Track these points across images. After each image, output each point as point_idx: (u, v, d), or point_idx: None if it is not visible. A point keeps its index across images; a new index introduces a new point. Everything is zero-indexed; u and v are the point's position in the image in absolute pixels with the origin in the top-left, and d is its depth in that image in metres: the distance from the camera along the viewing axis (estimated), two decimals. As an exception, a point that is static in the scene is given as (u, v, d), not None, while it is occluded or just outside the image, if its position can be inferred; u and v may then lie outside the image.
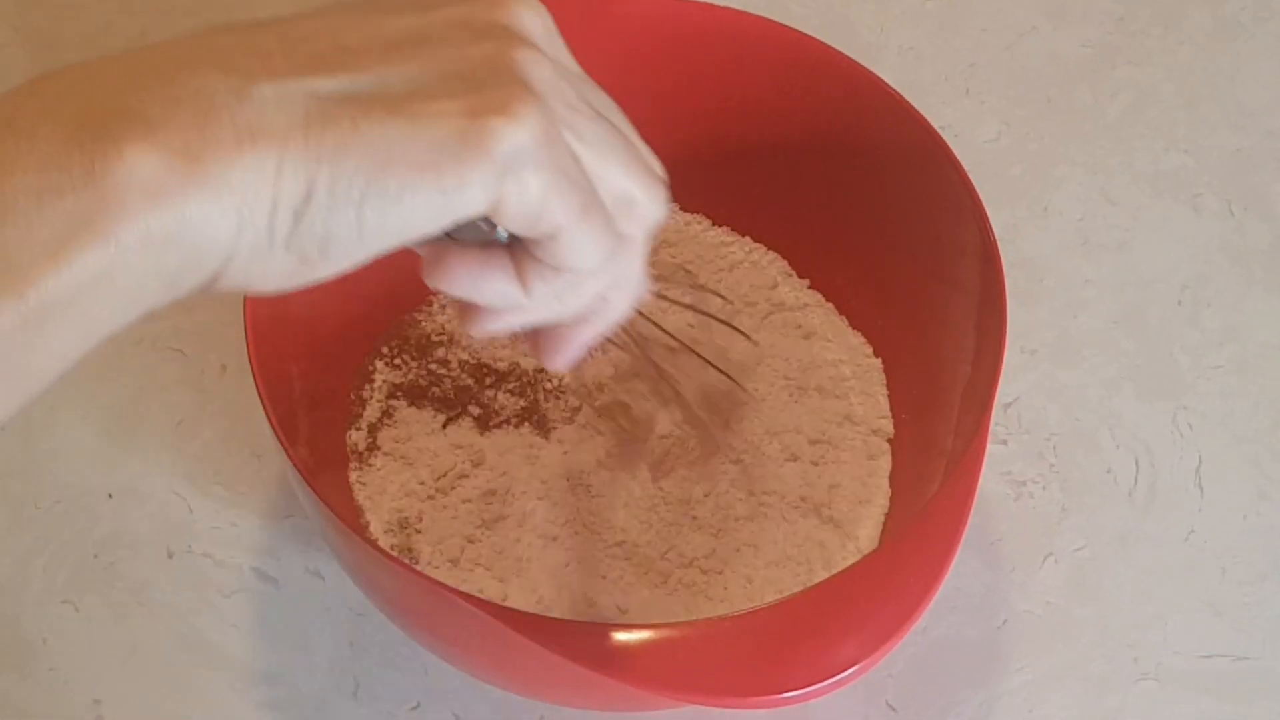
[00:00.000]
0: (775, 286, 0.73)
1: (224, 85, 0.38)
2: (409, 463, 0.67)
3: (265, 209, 0.38)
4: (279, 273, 0.40)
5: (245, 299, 0.59)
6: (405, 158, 0.39)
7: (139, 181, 0.36)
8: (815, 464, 0.68)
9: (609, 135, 0.43)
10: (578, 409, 0.68)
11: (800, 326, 0.72)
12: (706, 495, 0.67)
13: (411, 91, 0.39)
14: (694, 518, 0.66)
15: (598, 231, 0.42)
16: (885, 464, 0.68)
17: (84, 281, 0.37)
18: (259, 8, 0.86)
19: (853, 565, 0.56)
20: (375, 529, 0.66)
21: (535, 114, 0.40)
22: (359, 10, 0.41)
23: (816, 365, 0.71)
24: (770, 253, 0.74)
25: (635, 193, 0.44)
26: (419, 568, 0.64)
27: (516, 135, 0.39)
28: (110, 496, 0.70)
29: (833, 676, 0.52)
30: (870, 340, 0.72)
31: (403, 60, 0.40)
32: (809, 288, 0.73)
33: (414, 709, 0.65)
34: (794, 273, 0.73)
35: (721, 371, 0.67)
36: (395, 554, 0.64)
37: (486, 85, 0.40)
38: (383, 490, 0.67)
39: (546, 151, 0.40)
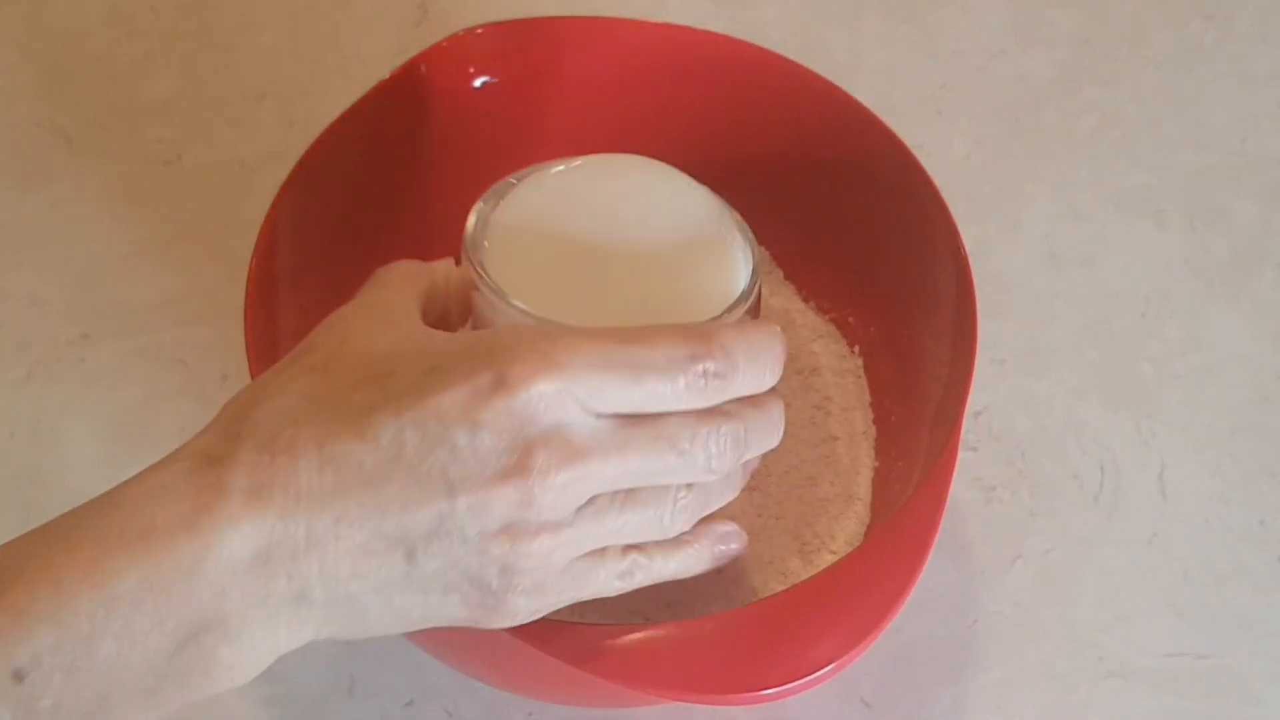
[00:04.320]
0: (770, 296, 0.74)
1: (289, 596, 0.46)
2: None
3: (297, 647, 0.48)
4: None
5: (245, 312, 0.60)
6: (413, 625, 0.49)
7: (215, 674, 0.46)
8: (799, 464, 0.69)
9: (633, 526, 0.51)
10: None
11: (791, 330, 0.73)
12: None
13: (425, 589, 0.48)
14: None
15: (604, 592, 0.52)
16: (868, 466, 0.69)
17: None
18: (258, 29, 0.88)
19: (829, 567, 0.57)
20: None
21: (528, 605, 0.49)
22: (399, 474, 0.47)
23: (803, 369, 0.72)
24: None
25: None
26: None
27: (509, 620, 0.50)
28: (114, 501, 0.71)
29: (810, 674, 0.52)
30: (850, 348, 0.72)
31: (425, 561, 0.47)
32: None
33: (407, 705, 0.66)
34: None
35: None
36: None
37: (491, 588, 0.48)
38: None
39: (538, 608, 0.50)
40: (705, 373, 0.50)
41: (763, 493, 0.68)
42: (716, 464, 0.51)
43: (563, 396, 0.47)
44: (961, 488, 0.72)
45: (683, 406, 0.50)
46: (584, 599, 0.51)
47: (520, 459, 0.46)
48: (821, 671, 0.52)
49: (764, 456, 0.68)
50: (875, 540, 0.60)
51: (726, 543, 0.55)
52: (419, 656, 0.66)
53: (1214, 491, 0.73)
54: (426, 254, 0.67)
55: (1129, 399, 0.76)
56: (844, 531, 0.67)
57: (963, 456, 0.59)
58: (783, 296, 0.74)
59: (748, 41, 0.70)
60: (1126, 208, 0.83)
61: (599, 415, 0.48)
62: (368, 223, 0.68)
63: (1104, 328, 0.78)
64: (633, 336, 0.49)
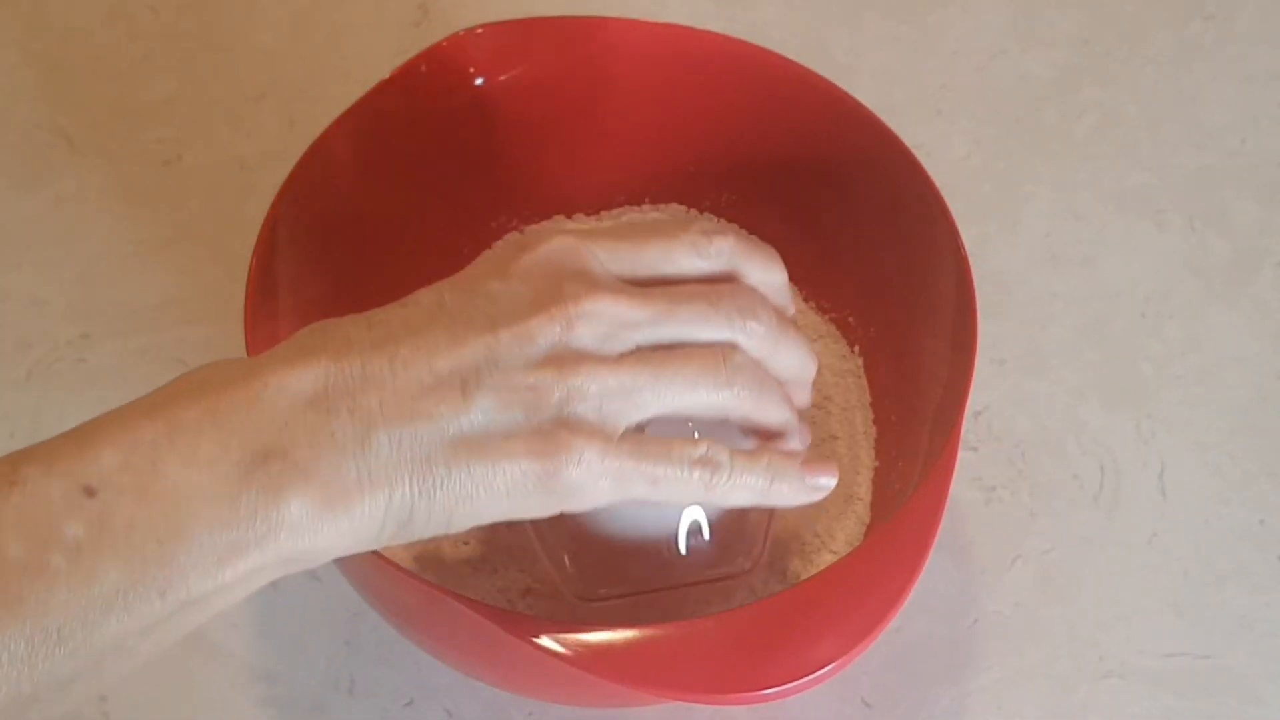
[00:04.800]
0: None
1: (353, 433, 0.47)
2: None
3: (375, 527, 0.47)
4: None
5: (245, 312, 0.60)
6: (487, 491, 0.48)
7: (289, 522, 0.45)
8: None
9: (664, 386, 0.51)
10: None
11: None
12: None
13: (487, 432, 0.48)
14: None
15: (679, 487, 0.51)
16: (868, 466, 0.69)
17: (221, 587, 0.45)
18: (260, 29, 0.88)
19: (829, 567, 0.57)
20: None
21: (590, 450, 0.49)
22: (443, 320, 0.49)
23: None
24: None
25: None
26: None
27: (576, 472, 0.49)
28: (114, 501, 0.71)
29: (810, 674, 0.52)
30: (850, 348, 0.73)
31: (480, 395, 0.48)
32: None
33: (407, 705, 0.66)
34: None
35: None
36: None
37: (547, 426, 0.48)
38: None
39: (607, 467, 0.49)
40: (707, 233, 0.54)
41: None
42: (750, 317, 0.53)
43: (581, 251, 0.51)
44: (961, 488, 0.72)
45: (695, 271, 0.54)
46: (661, 478, 0.51)
47: (552, 291, 0.49)
48: (821, 671, 0.52)
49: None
50: (875, 540, 0.60)
51: (817, 473, 0.55)
52: (419, 656, 0.66)
53: (1214, 491, 0.73)
54: (425, 254, 0.68)
55: (1129, 399, 0.76)
56: (844, 531, 0.67)
57: (963, 456, 0.59)
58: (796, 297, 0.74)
59: (748, 41, 0.71)
60: (1126, 208, 0.83)
61: (619, 277, 0.52)
62: (367, 223, 0.68)
63: (1104, 328, 0.78)
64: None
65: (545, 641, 0.52)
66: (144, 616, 0.44)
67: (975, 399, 0.61)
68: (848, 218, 0.71)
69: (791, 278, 0.73)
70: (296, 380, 0.47)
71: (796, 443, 0.56)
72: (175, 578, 0.44)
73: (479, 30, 0.70)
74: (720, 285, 0.54)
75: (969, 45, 0.89)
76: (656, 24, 0.71)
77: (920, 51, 0.89)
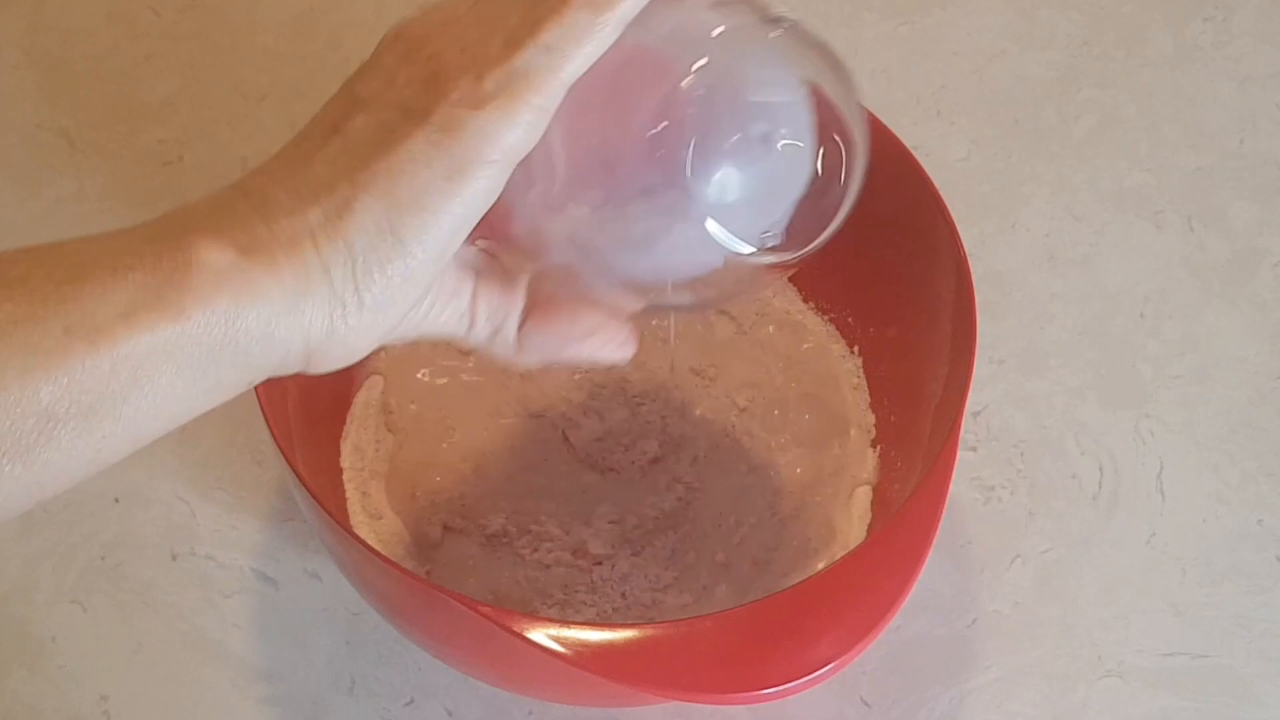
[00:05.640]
0: (772, 297, 0.75)
1: (248, 204, 0.44)
2: (403, 469, 0.69)
3: (321, 277, 0.43)
4: (365, 330, 0.45)
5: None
6: (406, 184, 0.44)
7: (205, 267, 0.42)
8: (798, 464, 0.69)
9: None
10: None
11: (792, 331, 0.74)
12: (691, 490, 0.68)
13: (375, 139, 0.44)
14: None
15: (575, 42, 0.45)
16: (869, 466, 0.69)
17: (156, 348, 0.41)
18: (259, 30, 0.88)
19: (829, 567, 0.58)
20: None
21: (463, 80, 0.44)
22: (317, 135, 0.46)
23: (805, 369, 0.72)
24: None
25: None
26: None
27: (464, 113, 0.44)
28: (117, 501, 0.71)
29: (810, 674, 0.52)
30: (850, 348, 0.73)
31: (358, 118, 0.45)
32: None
33: (408, 704, 0.66)
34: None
35: None
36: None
37: (421, 104, 0.44)
38: (378, 495, 0.68)
39: (489, 86, 0.44)
40: None
41: (762, 492, 0.68)
42: None
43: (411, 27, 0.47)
44: (961, 487, 0.72)
45: None
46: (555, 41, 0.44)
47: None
48: (821, 671, 0.53)
49: (763, 456, 0.69)
50: (875, 540, 0.60)
51: None
52: (419, 656, 0.67)
53: (1212, 491, 0.73)
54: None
55: (1127, 399, 0.76)
56: (844, 531, 0.67)
57: (962, 456, 0.60)
58: (784, 297, 0.74)
59: (747, 42, 0.70)
60: (1125, 208, 0.83)
61: None
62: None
63: (1102, 328, 0.79)
64: None
65: (545, 641, 0.53)
66: (58, 368, 0.40)
67: (974, 399, 0.61)
68: (847, 218, 0.71)
69: (791, 278, 0.74)
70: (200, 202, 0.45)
71: None
72: (75, 312, 0.40)
73: (479, 31, 0.70)
74: None
75: (968, 46, 0.89)
76: (656, 25, 0.71)
77: (919, 52, 0.89)
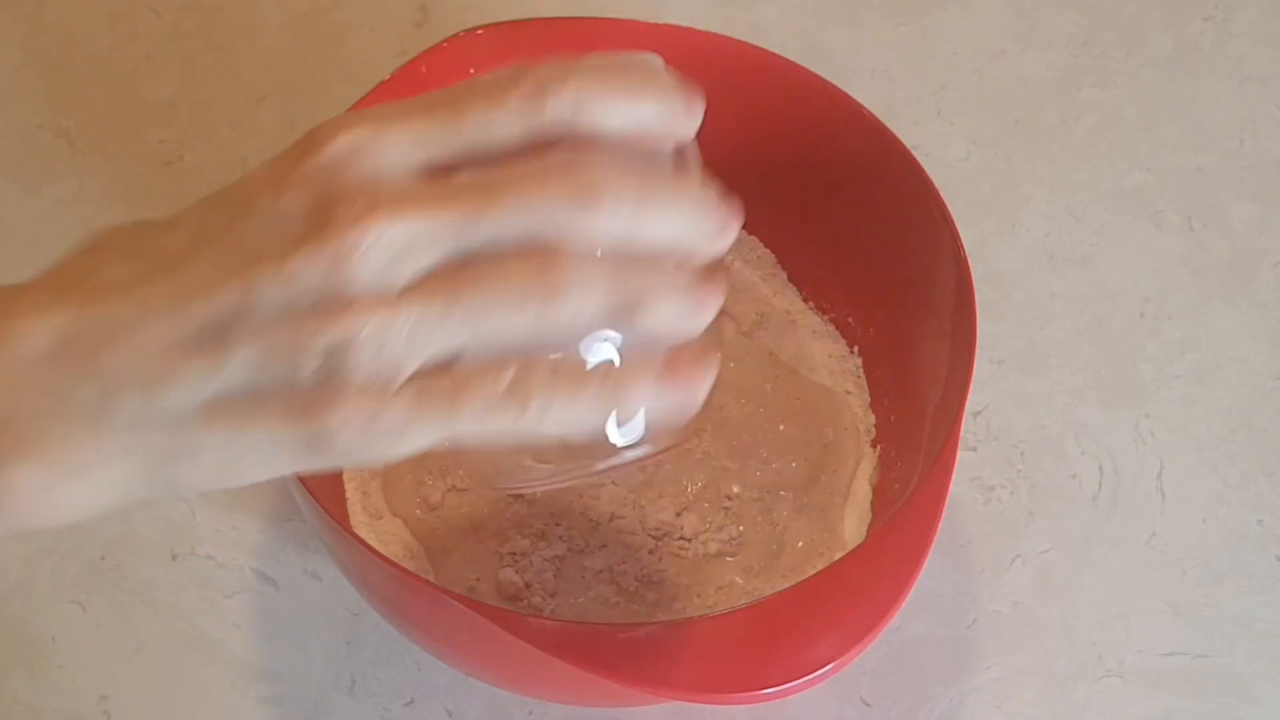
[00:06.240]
0: (772, 297, 0.75)
1: (92, 397, 0.40)
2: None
3: (122, 492, 0.41)
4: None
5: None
6: (249, 459, 0.41)
7: (18, 493, 0.40)
8: (798, 464, 0.69)
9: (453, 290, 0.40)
10: None
11: (791, 331, 0.74)
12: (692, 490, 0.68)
13: (245, 392, 0.40)
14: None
15: (487, 427, 0.41)
16: (868, 466, 0.69)
17: None
18: (259, 30, 0.88)
19: (828, 567, 0.58)
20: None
21: (355, 413, 0.39)
22: (204, 251, 0.41)
23: (804, 369, 0.72)
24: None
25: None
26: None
27: (343, 437, 0.40)
28: (116, 501, 0.71)
29: (809, 674, 0.52)
30: (850, 348, 0.73)
31: (236, 349, 0.40)
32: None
33: (408, 704, 0.66)
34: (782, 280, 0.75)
35: None
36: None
37: (306, 387, 0.40)
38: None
39: (385, 424, 0.40)
40: (542, 85, 0.40)
41: (761, 493, 0.68)
42: (591, 194, 0.40)
43: (375, 143, 0.40)
44: (961, 487, 0.72)
45: (531, 138, 0.40)
46: (461, 420, 0.40)
47: (322, 214, 0.39)
48: (821, 671, 0.53)
49: (764, 455, 0.69)
50: (875, 540, 0.60)
51: (681, 381, 0.42)
52: (419, 656, 0.67)
53: (1212, 491, 0.73)
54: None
55: (1127, 399, 0.76)
56: (843, 531, 0.67)
57: (962, 456, 0.59)
58: (784, 297, 0.74)
59: (747, 42, 0.71)
60: (1125, 208, 0.83)
61: (423, 167, 0.40)
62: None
63: (1102, 328, 0.78)
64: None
65: (545, 641, 0.53)
66: None
67: (974, 399, 0.61)
68: (847, 218, 0.72)
69: (791, 278, 0.74)
70: (40, 330, 0.41)
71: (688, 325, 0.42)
72: None
73: (479, 31, 0.70)
74: (552, 160, 0.40)
75: (968, 46, 0.89)
76: (656, 25, 0.71)
77: (919, 52, 0.89)
